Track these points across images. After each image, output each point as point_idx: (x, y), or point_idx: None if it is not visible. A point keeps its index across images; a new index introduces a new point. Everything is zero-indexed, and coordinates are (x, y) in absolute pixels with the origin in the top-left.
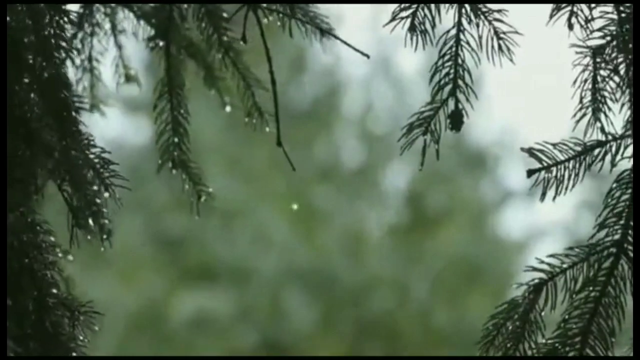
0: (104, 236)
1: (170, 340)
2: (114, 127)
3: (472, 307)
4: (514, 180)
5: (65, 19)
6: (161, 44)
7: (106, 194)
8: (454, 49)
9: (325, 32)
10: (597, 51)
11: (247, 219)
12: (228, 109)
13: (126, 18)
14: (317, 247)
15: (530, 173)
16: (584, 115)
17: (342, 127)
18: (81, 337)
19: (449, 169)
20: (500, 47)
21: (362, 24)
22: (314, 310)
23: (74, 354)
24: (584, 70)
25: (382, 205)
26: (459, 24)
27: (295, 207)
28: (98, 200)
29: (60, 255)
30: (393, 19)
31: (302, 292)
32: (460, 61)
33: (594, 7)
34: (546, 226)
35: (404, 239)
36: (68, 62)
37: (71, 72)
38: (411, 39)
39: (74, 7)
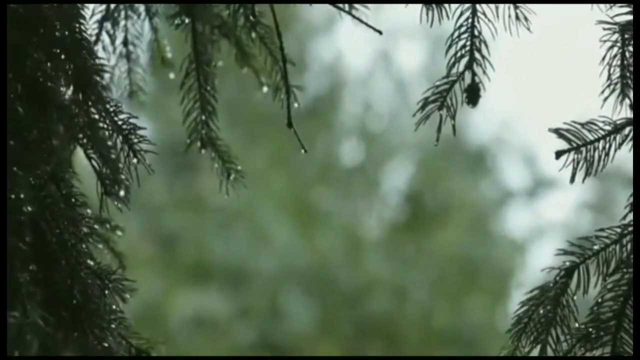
0: (122, 193)
1: (168, 339)
2: None
3: (472, 307)
4: (514, 179)
5: None
6: (187, 20)
7: (135, 160)
8: (470, 20)
9: (341, 9)
10: (624, 27)
11: (246, 218)
12: (265, 89)
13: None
14: (317, 246)
15: (559, 154)
16: (613, 91)
17: (342, 126)
18: (113, 306)
19: (448, 168)
20: (517, 16)
21: (362, 15)
22: (313, 310)
23: (105, 324)
24: (612, 47)
25: (382, 205)
26: None
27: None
28: (120, 165)
29: (108, 228)
30: None
31: (301, 293)
32: (476, 33)
33: None
34: (546, 226)
35: (404, 239)
36: (100, 47)
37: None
38: (427, 13)
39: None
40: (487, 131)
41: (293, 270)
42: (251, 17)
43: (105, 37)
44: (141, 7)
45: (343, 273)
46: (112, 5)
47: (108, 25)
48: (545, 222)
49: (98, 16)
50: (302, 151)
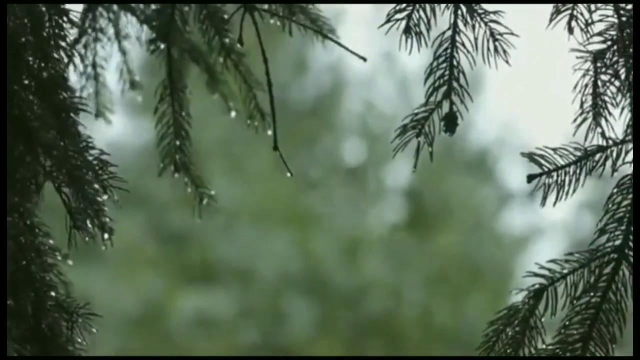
0: (105, 235)
1: (170, 339)
2: (115, 125)
3: (472, 307)
4: (514, 179)
5: (65, 18)
6: (162, 46)
7: (105, 196)
8: (449, 50)
9: (324, 36)
10: (597, 56)
11: (248, 220)
12: (233, 114)
13: (129, 23)
14: (317, 248)
15: (530, 178)
16: (585, 119)
17: (343, 127)
18: (79, 340)
19: (448, 169)
20: (496, 48)
21: (363, 19)
22: (314, 311)
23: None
24: (584, 75)
25: (383, 205)
26: (454, 25)
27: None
28: (99, 199)
29: (59, 258)
30: (388, 20)
31: (302, 294)
32: (455, 63)
33: (594, 11)
34: (546, 226)
35: (404, 239)
36: (71, 68)
37: (75, 79)
38: (406, 41)
39: (75, 8)
40: (488, 132)
41: (294, 271)
42: (229, 42)
43: (77, 60)
44: (110, 31)
45: (344, 273)
46: (84, 27)
47: (79, 47)
48: (545, 222)
49: (70, 38)
50: (288, 174)
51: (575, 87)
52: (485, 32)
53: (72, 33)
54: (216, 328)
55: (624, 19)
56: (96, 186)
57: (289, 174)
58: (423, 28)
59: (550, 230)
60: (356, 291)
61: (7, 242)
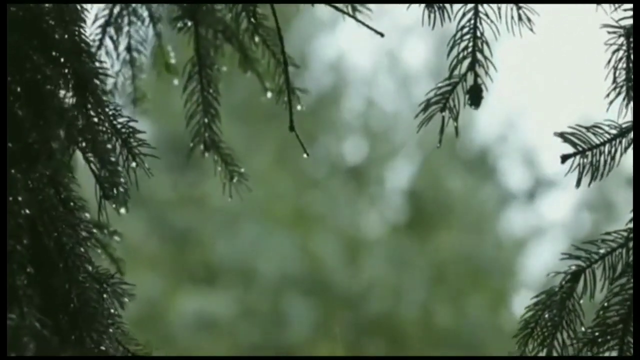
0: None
1: (170, 340)
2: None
3: (473, 307)
4: (515, 179)
5: None
6: (189, 24)
7: (134, 164)
8: (472, 21)
9: (340, 10)
10: (630, 31)
11: (249, 219)
12: (269, 95)
13: (161, 5)
14: (318, 248)
15: (564, 158)
16: (618, 94)
17: (343, 125)
18: (112, 310)
19: (449, 168)
20: (520, 16)
21: (366, 16)
22: (315, 312)
23: (102, 328)
24: (617, 50)
25: (383, 205)
26: None
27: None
28: (119, 168)
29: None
30: None
31: (303, 294)
32: (479, 34)
33: None
34: (546, 226)
35: (405, 239)
36: (103, 53)
37: (109, 63)
38: (429, 15)
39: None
40: (489, 132)
41: (296, 272)
42: (252, 20)
43: (108, 42)
44: (145, 13)
45: (344, 274)
46: (116, 11)
47: (111, 30)
48: (545, 222)
49: (101, 21)
50: (304, 155)
51: (608, 63)
52: None
53: (103, 15)
54: (217, 328)
55: None
56: (115, 156)
57: (305, 155)
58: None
59: (551, 230)
60: (357, 291)
61: (41, 215)
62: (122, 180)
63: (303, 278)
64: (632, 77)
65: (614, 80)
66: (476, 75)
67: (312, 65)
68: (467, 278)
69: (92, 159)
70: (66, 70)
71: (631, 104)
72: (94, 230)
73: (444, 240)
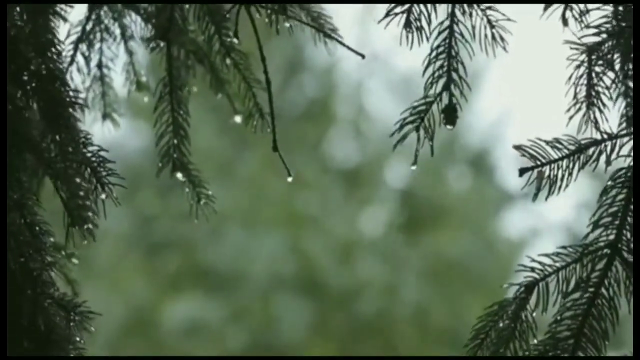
0: (88, 227)
1: (161, 346)
2: (107, 131)
3: (469, 307)
4: (512, 179)
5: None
6: (162, 44)
7: (103, 195)
8: (447, 40)
9: (323, 33)
10: (592, 48)
11: (239, 222)
12: (238, 119)
13: (134, 22)
14: (311, 249)
15: (522, 172)
16: (578, 110)
17: (336, 128)
18: (77, 338)
19: (445, 169)
20: (493, 36)
21: (354, 20)
22: (309, 312)
23: (69, 355)
24: (578, 67)
25: (376, 206)
26: (452, 15)
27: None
28: (88, 203)
29: (60, 257)
30: (387, 14)
31: (295, 296)
32: (454, 53)
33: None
34: (545, 226)
35: (401, 239)
36: (74, 69)
37: (79, 79)
38: (407, 36)
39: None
40: (486, 132)
41: (287, 273)
42: (228, 41)
43: (80, 59)
44: (117, 30)
45: (340, 274)
46: (88, 27)
47: (83, 47)
48: (543, 222)
49: (73, 37)
50: (288, 178)
51: (569, 79)
52: (482, 19)
53: (75, 31)
54: (208, 331)
55: (620, 8)
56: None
57: (289, 179)
58: (424, 23)
59: (549, 231)
60: (350, 292)
61: (9, 240)
62: (89, 214)
63: (296, 279)
64: (595, 94)
65: (575, 96)
66: (451, 95)
67: (307, 66)
68: (463, 278)
69: (61, 187)
70: (38, 99)
71: (591, 119)
72: (58, 255)
73: (439, 240)
